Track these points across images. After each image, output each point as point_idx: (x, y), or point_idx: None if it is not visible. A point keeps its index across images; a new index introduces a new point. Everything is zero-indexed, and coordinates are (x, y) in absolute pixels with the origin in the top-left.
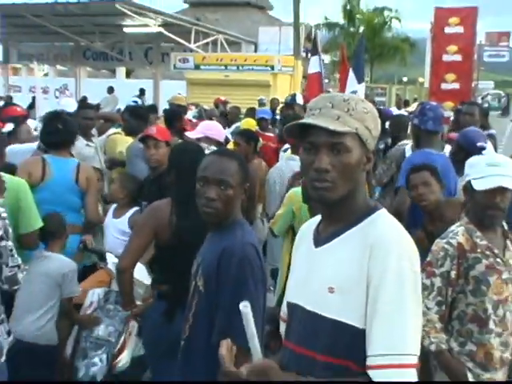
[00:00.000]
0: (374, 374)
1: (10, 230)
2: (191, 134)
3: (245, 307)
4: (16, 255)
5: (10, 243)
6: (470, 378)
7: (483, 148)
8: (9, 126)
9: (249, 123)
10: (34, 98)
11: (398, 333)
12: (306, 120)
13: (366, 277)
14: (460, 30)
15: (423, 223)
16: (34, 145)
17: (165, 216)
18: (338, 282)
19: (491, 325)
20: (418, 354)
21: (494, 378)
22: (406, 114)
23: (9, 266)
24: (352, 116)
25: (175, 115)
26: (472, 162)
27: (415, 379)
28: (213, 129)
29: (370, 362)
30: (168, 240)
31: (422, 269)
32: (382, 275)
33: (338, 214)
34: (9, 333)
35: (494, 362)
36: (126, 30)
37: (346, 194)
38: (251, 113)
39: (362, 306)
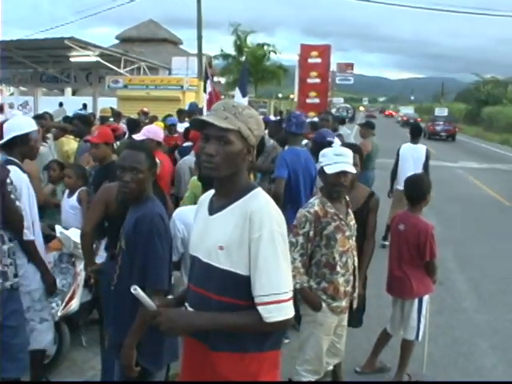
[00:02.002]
0: (261, 310)
1: None
2: (137, 136)
3: (134, 290)
4: None
5: None
6: (324, 306)
7: (332, 142)
8: None
9: (158, 124)
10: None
11: (274, 277)
12: (203, 117)
13: (247, 237)
14: (318, 60)
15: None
16: None
17: (113, 194)
18: (225, 242)
19: (338, 268)
20: (292, 288)
21: (340, 305)
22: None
23: None
24: (237, 118)
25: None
26: (323, 153)
27: (291, 309)
28: (153, 131)
29: (256, 300)
30: (115, 212)
31: (290, 230)
32: (259, 236)
33: (226, 191)
34: (16, 275)
35: (340, 295)
36: (72, 59)
37: (229, 175)
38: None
39: (246, 259)
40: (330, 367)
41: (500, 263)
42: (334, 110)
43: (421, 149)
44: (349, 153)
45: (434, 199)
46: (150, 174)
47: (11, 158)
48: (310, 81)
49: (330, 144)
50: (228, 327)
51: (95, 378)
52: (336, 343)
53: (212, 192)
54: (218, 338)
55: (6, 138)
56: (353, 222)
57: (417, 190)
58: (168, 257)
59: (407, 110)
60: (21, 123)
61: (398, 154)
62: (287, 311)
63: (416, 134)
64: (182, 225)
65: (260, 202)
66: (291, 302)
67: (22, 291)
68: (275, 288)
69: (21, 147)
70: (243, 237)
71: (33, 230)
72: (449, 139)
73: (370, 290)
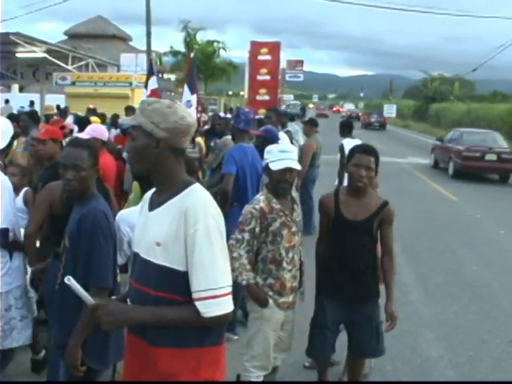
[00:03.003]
0: (199, 305)
1: None
2: (81, 135)
3: (68, 280)
4: None
5: None
6: (270, 302)
7: (278, 138)
8: None
9: (95, 120)
10: None
11: (210, 273)
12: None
13: (183, 233)
14: (268, 57)
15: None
16: None
17: (57, 193)
18: (162, 238)
19: (284, 264)
20: (230, 283)
21: (287, 301)
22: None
23: None
24: (142, 113)
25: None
26: (269, 149)
27: (229, 304)
28: (97, 130)
29: (194, 296)
30: (59, 211)
31: (236, 227)
32: (195, 231)
33: (160, 187)
34: None
35: (287, 290)
36: (18, 55)
37: (147, 170)
38: (116, 118)
39: (182, 254)
40: (278, 362)
41: (446, 256)
42: (283, 107)
43: (358, 143)
44: (294, 149)
45: (381, 193)
46: (92, 171)
47: None
48: (259, 78)
49: (277, 140)
50: (167, 321)
51: (42, 379)
52: (284, 338)
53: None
54: (156, 334)
55: (9, 139)
56: (299, 218)
57: None
58: (112, 254)
59: (350, 106)
60: (10, 124)
61: (343, 151)
62: (225, 306)
63: (349, 129)
64: (127, 227)
65: (195, 198)
66: (229, 296)
67: (4, 291)
68: (212, 283)
69: (6, 148)
70: (179, 232)
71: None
72: (381, 128)
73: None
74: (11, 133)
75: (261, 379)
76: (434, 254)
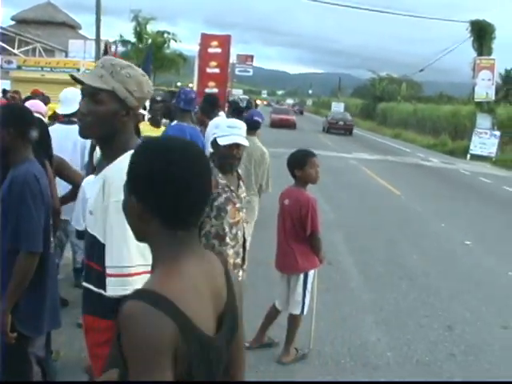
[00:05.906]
0: (106, 281)
1: None
2: None
3: None
4: None
5: None
6: None
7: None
8: None
9: (51, 108)
10: None
11: (119, 250)
12: (77, 75)
13: (101, 203)
14: (219, 50)
15: None
16: None
17: None
18: (92, 206)
19: (227, 240)
20: (142, 262)
21: None
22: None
23: None
24: (114, 77)
25: None
26: (217, 124)
27: (135, 284)
28: (35, 106)
29: (106, 271)
30: None
31: None
32: (107, 205)
33: (105, 152)
34: None
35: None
36: None
37: (103, 136)
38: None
39: (103, 226)
40: None
41: (386, 247)
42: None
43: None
44: (242, 125)
45: (328, 187)
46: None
47: None
48: (209, 70)
49: None
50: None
51: None
52: None
53: None
54: (84, 300)
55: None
56: (244, 195)
57: (288, 165)
58: (43, 218)
59: (290, 101)
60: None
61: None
62: (130, 286)
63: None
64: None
65: (118, 167)
66: (137, 277)
67: None
68: (118, 261)
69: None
70: (99, 202)
71: None
72: (300, 114)
73: (259, 267)
74: (78, 99)
75: None
76: (375, 245)
